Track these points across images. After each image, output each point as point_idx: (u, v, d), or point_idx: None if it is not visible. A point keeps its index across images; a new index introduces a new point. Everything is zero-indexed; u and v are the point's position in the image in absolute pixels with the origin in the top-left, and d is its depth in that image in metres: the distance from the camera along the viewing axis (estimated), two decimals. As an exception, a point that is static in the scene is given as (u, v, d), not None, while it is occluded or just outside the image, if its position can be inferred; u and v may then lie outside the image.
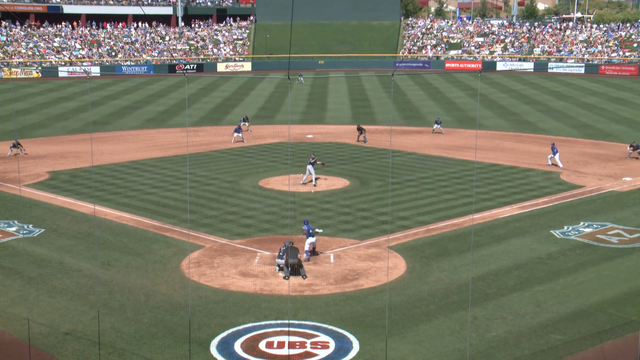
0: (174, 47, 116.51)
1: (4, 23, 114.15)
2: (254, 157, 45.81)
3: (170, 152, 47.19)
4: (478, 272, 24.28)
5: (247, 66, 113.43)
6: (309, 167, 37.18)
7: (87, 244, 27.41)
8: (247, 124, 56.27)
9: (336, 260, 25.66)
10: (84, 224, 30.16)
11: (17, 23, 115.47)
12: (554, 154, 41.78)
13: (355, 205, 32.94)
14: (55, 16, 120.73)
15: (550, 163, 41.85)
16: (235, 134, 50.36)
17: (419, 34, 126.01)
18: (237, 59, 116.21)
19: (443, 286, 23.07)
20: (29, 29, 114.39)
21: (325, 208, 32.98)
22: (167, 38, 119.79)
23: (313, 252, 25.79)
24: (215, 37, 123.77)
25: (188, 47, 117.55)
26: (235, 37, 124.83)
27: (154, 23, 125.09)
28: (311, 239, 25.47)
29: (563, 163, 41.88)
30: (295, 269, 23.65)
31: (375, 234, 28.70)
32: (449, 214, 31.81)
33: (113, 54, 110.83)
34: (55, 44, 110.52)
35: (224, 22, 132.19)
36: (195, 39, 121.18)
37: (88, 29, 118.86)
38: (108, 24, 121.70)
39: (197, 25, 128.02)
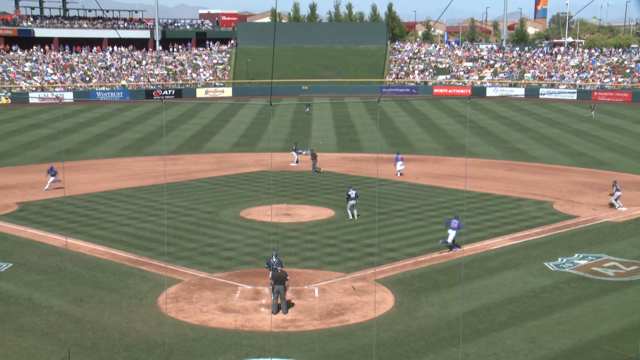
0: (151, 71, 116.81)
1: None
2: (234, 187, 45.78)
3: (147, 181, 47.10)
4: (469, 306, 24.29)
5: (228, 92, 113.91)
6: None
7: (57, 279, 27.15)
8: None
9: (321, 294, 25.60)
10: (54, 258, 29.90)
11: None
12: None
13: (341, 237, 32.96)
14: (26, 40, 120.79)
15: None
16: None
17: (406, 58, 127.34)
18: (217, 84, 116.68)
19: (433, 321, 23.06)
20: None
21: (310, 239, 32.95)
22: (144, 62, 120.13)
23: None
24: (194, 61, 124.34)
25: (166, 72, 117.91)
26: (215, 61, 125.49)
27: (130, 47, 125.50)
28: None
29: (559, 192, 41.33)
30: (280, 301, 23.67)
31: (362, 267, 28.69)
32: (440, 246, 31.92)
33: (87, 79, 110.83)
34: (26, 69, 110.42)
35: (203, 46, 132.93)
36: (173, 64, 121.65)
37: (61, 52, 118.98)
38: (82, 48, 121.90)
39: (175, 49, 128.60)
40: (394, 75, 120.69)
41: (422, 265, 29.21)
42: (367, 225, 35.08)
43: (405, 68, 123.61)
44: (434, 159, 56.74)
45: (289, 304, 24.42)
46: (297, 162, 53.71)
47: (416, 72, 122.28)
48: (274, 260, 25.26)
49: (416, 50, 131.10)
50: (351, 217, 35.76)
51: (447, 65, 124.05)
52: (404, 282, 27.03)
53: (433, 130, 74.91)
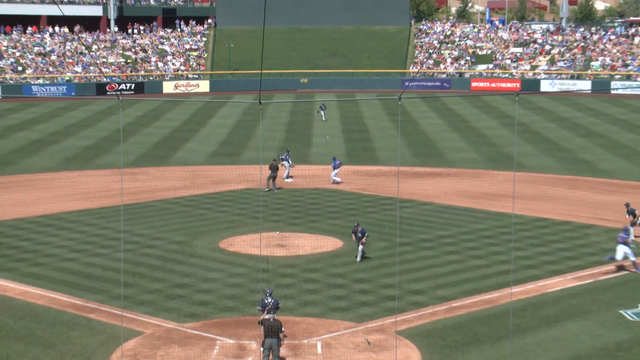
0: (105, 60, 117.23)
1: None
2: (212, 209, 45.63)
3: (98, 202, 46.99)
4: (520, 367, 24.16)
5: (204, 86, 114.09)
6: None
7: (-21, 331, 27.01)
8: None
9: (325, 351, 25.46)
10: (-25, 303, 29.76)
11: None
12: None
13: (351, 275, 32.81)
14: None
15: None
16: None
17: (435, 42, 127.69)
18: (190, 76, 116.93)
19: (473, 387, 22.92)
20: None
21: (311, 278, 32.75)
22: (94, 48, 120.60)
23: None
24: (160, 46, 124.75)
25: (124, 60, 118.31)
26: (187, 46, 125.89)
27: (76, 28, 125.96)
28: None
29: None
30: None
31: (379, 314, 28.54)
32: (478, 286, 31.70)
33: (19, 68, 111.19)
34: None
35: (172, 27, 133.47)
36: (133, 50, 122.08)
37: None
38: (12, 28, 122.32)
39: (136, 30, 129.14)
40: (419, 65, 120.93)
41: (457, 312, 29.02)
42: (385, 260, 34.92)
43: (434, 55, 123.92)
44: (472, 174, 56.64)
45: (283, 364, 24.27)
46: (288, 176, 53.55)
47: (449, 60, 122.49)
48: (269, 300, 25.22)
49: (449, 32, 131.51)
50: (359, 260, 35.12)
51: (489, 52, 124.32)
52: (433, 334, 26.89)
53: (471, 135, 74.87)
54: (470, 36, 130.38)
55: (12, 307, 29.38)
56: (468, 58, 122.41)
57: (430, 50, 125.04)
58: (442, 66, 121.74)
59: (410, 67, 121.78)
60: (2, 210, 43.90)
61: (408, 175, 53.97)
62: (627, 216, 38.98)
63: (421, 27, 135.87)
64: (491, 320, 28.24)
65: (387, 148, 67.91)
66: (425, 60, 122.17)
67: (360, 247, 34.85)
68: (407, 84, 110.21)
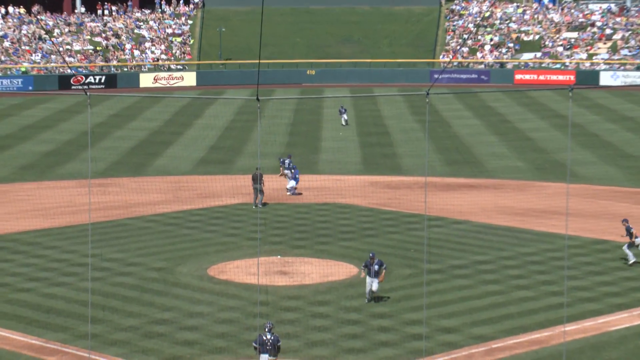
0: (69, 47, 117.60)
1: None
2: (200, 229, 45.68)
3: (61, 220, 47.04)
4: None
5: (190, 79, 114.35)
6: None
7: None
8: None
9: (338, 403, 25.43)
10: None
11: None
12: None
13: (368, 309, 32.77)
14: None
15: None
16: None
17: (471, 26, 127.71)
18: (173, 66, 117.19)
19: None
20: None
21: (319, 313, 32.71)
22: (56, 33, 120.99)
23: None
24: (137, 31, 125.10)
25: (92, 47, 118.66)
26: (170, 31, 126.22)
27: (35, 8, 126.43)
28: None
29: None
30: None
31: (402, 357, 28.47)
32: (524, 323, 31.58)
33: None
34: None
35: (151, 7, 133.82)
36: (104, 35, 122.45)
37: None
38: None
39: (107, 11, 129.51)
40: (452, 53, 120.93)
41: (498, 354, 28.93)
42: (409, 291, 34.88)
43: (469, 41, 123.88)
44: (516, 185, 56.58)
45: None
46: (292, 188, 53.47)
47: (487, 47, 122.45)
48: (268, 337, 25.16)
49: (487, 14, 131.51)
50: (368, 301, 34.32)
51: (537, 37, 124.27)
52: (470, 382, 26.85)
53: (514, 139, 74.82)
54: (514, 18, 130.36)
55: (-44, 347, 29.46)
56: (511, 45, 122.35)
57: (465, 36, 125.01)
58: (479, 55, 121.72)
59: (441, 56, 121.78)
60: (-55, 230, 44.05)
61: (438, 188, 53.90)
62: (626, 235, 39.52)
63: (454, 7, 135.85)
64: (541, 364, 28.13)
65: (412, 154, 67.86)
66: (458, 47, 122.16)
67: (375, 284, 33.60)
68: (436, 76, 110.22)
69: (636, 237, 39.22)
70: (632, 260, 39.08)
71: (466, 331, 30.95)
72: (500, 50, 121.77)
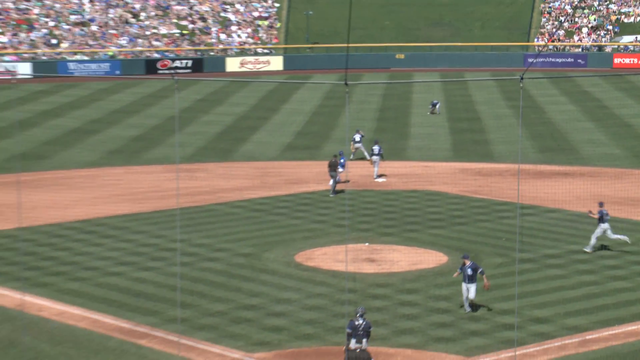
0: (155, 31, 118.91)
1: None
2: (287, 215, 46.09)
3: (149, 205, 47.84)
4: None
5: (277, 63, 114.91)
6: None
7: (8, 359, 27.80)
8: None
9: (427, 392, 25.60)
10: (3, 326, 30.53)
11: None
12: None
13: (458, 298, 32.78)
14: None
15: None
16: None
17: (567, 8, 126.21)
18: (260, 50, 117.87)
19: None
20: None
21: (408, 301, 32.87)
22: (143, 16, 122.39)
23: None
24: (223, 14, 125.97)
25: (179, 31, 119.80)
26: (256, 14, 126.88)
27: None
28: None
29: None
30: None
31: (493, 346, 28.49)
32: (620, 315, 31.35)
33: (54, 42, 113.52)
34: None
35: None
36: (190, 18, 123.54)
37: (12, 0, 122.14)
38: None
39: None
40: (547, 36, 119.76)
41: (592, 346, 28.77)
42: (500, 280, 34.79)
43: (566, 24, 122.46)
44: (613, 174, 55.94)
45: (375, 405, 24.48)
46: (378, 175, 53.66)
47: (584, 30, 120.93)
48: (360, 322, 25.55)
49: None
50: (467, 310, 32.12)
51: (638, 19, 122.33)
52: (563, 373, 26.78)
53: (612, 125, 73.95)
54: (614, 0, 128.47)
55: (48, 330, 30.12)
56: (610, 27, 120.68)
57: (562, 18, 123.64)
58: (575, 38, 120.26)
59: (535, 40, 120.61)
60: (35, 214, 44.93)
61: (530, 175, 53.60)
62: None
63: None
64: (637, 357, 27.91)
65: (504, 141, 67.49)
66: (554, 30, 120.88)
67: (472, 291, 31.43)
68: (530, 60, 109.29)
69: (603, 222, 38.92)
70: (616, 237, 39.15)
71: (559, 322, 30.80)
72: (598, 32, 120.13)
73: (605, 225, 38.91)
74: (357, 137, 58.85)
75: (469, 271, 31.18)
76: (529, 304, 32.27)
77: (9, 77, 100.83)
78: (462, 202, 48.93)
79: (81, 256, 38.64)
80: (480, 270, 31.43)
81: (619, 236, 39.18)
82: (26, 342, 28.46)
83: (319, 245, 40.41)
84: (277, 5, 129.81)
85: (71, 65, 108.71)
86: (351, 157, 57.13)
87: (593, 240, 39.17)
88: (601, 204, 39.70)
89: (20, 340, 28.67)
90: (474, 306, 31.49)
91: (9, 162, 58.72)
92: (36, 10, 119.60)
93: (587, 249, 39.09)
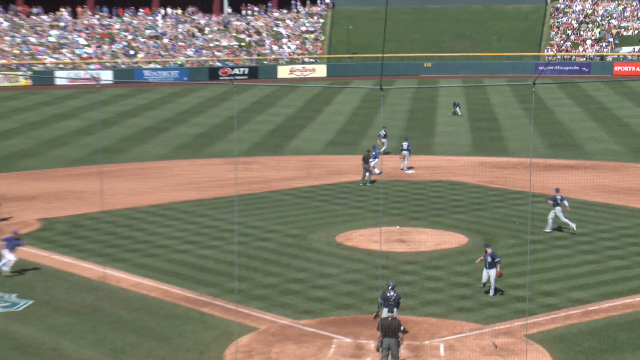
0: (217, 43, 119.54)
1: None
2: (329, 202, 46.28)
3: (211, 192, 48.28)
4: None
5: (321, 70, 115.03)
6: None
7: (92, 323, 28.27)
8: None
9: (448, 353, 25.63)
10: (87, 294, 31.13)
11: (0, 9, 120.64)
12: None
13: (477, 274, 32.71)
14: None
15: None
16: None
17: (574, 22, 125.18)
18: (306, 60, 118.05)
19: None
20: (14, 18, 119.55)
21: (433, 276, 32.99)
22: (207, 31, 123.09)
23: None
24: (275, 28, 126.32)
25: (237, 43, 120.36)
26: (304, 28, 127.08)
27: (189, 9, 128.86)
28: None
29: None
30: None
31: (507, 316, 28.58)
32: (618, 289, 31.28)
33: (131, 52, 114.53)
34: (52, 39, 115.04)
35: (288, 8, 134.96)
36: (247, 32, 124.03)
37: (97, 17, 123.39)
38: (125, 10, 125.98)
39: (250, 11, 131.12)
40: (556, 48, 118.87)
41: (594, 316, 28.75)
42: (514, 259, 34.78)
43: (572, 37, 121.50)
44: (613, 167, 55.60)
45: (404, 366, 24.57)
46: (408, 167, 53.77)
47: (589, 42, 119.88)
48: (392, 294, 25.72)
49: (589, 11, 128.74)
50: (492, 295, 30.98)
51: (636, 32, 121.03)
52: (567, 339, 26.73)
53: (612, 125, 73.41)
54: (615, 15, 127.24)
55: (125, 298, 30.64)
56: (611, 40, 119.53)
57: (569, 32, 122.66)
58: (581, 49, 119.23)
59: (545, 50, 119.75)
60: (115, 199, 45.54)
61: (540, 168, 53.43)
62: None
63: (558, 5, 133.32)
64: (633, 326, 27.83)
65: (517, 138, 67.24)
66: (562, 42, 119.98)
67: (493, 276, 30.61)
68: (541, 68, 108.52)
69: (556, 206, 39.03)
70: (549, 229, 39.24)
71: (565, 295, 30.82)
72: (601, 44, 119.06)
73: (558, 209, 39.05)
74: (382, 133, 59.74)
75: (489, 258, 30.54)
76: (539, 280, 32.30)
77: (94, 83, 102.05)
78: (480, 191, 48.89)
79: (153, 236, 39.15)
80: (497, 259, 30.48)
81: (568, 221, 39.08)
82: (107, 309, 28.94)
83: (356, 227, 40.62)
84: (321, 21, 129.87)
85: (146, 73, 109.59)
86: (382, 149, 57.22)
87: (550, 222, 39.29)
88: (557, 190, 39.83)
89: (102, 307, 29.15)
90: (495, 290, 30.83)
91: (93, 155, 59.51)
92: (117, 26, 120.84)
93: (547, 229, 39.13)
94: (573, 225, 38.98)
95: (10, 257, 32.61)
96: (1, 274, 32.62)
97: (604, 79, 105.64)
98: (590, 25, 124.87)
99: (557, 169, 54.57)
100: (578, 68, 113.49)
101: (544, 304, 29.79)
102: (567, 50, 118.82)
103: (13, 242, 33.26)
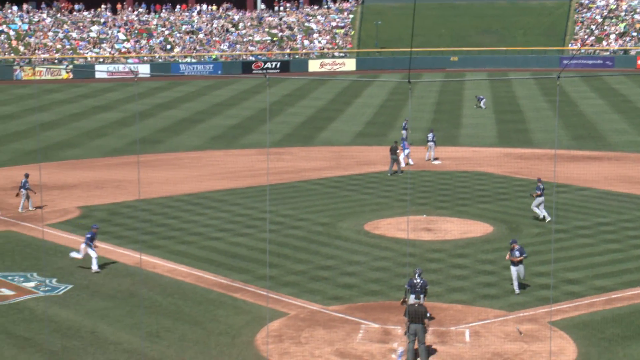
0: (251, 38, 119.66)
1: (25, 7, 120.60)
2: (358, 191, 46.13)
3: (244, 182, 48.30)
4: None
5: (351, 64, 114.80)
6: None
7: (128, 307, 28.42)
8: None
9: (474, 339, 25.49)
10: (124, 280, 31.30)
11: (43, 6, 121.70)
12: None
13: (502, 262, 32.54)
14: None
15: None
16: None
17: (598, 17, 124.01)
18: (336, 54, 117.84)
19: (632, 383, 22.49)
20: (57, 15, 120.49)
21: (459, 264, 32.79)
22: (240, 26, 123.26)
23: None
24: (307, 24, 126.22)
25: (270, 38, 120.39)
26: (334, 24, 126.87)
27: (223, 5, 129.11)
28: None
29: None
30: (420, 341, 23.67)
31: (531, 303, 28.37)
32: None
33: (168, 47, 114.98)
34: (92, 34, 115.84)
35: (319, 4, 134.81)
36: (279, 27, 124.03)
37: (135, 13, 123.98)
38: (162, 7, 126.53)
39: (282, 8, 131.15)
40: (580, 42, 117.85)
41: (617, 304, 28.46)
42: (538, 247, 34.50)
43: (596, 31, 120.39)
44: (636, 157, 55.06)
45: (430, 351, 24.43)
46: (435, 158, 53.45)
47: (612, 36, 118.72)
48: (418, 281, 25.65)
49: (613, 6, 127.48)
50: (517, 292, 29.61)
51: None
52: (590, 326, 26.49)
53: (635, 117, 72.71)
54: (638, 10, 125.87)
55: (161, 284, 30.78)
56: (635, 34, 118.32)
57: (592, 26, 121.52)
58: (604, 43, 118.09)
59: (570, 45, 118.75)
60: (151, 188, 45.64)
61: (564, 159, 53.04)
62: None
63: (582, 1, 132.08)
64: (655, 313, 27.56)
65: (542, 130, 66.78)
66: (586, 37, 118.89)
67: (522, 271, 29.58)
68: (565, 62, 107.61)
69: (539, 196, 38.64)
70: (543, 214, 38.82)
71: (588, 283, 30.57)
72: (624, 38, 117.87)
73: (540, 199, 38.81)
74: (403, 124, 60.75)
75: (517, 254, 29.21)
76: (562, 268, 32.05)
77: (132, 77, 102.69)
78: (505, 181, 48.56)
79: (188, 223, 39.23)
80: (524, 255, 29.44)
81: (544, 212, 38.73)
82: (143, 294, 29.05)
83: (384, 216, 40.48)
84: (351, 16, 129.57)
85: (182, 67, 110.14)
86: (408, 141, 56.79)
87: (537, 211, 39.00)
88: (539, 180, 39.53)
89: (138, 292, 29.34)
90: (522, 285, 29.85)
91: (130, 146, 59.84)
92: (154, 22, 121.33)
93: (548, 218, 38.52)
94: (548, 218, 38.46)
95: (92, 253, 32.29)
96: (92, 272, 32.25)
97: (627, 73, 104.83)
98: (614, 20, 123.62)
99: (581, 159, 54.13)
100: (602, 62, 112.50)
101: (568, 292, 29.56)
102: (591, 45, 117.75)
103: (91, 237, 32.60)
